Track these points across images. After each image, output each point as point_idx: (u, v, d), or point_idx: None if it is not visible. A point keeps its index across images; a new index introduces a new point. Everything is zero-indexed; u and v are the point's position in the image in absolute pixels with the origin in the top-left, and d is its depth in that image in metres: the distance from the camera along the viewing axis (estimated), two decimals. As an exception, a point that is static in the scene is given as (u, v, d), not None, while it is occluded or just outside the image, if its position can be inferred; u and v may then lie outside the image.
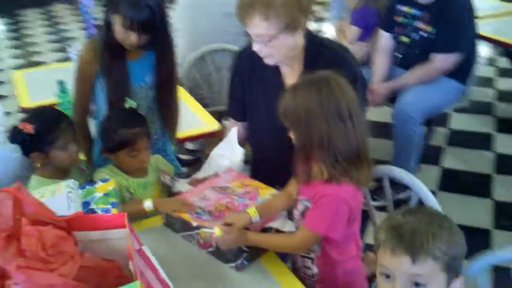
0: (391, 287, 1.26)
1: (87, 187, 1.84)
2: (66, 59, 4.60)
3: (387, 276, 1.27)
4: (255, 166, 2.39)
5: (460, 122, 4.45)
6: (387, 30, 3.57)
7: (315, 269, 1.83)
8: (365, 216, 1.99)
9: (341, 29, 4.31)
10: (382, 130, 3.96)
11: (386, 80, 3.50)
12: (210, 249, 1.82)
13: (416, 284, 1.24)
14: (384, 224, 1.31)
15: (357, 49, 3.75)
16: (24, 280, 1.07)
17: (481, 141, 4.17)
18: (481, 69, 3.62)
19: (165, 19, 2.18)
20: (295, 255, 1.90)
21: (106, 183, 1.85)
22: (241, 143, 2.30)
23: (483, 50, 3.58)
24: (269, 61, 2.03)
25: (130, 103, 2.16)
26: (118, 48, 2.20)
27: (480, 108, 4.60)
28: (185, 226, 1.89)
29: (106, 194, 1.79)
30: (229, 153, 2.23)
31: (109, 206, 1.73)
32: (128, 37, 2.12)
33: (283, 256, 1.88)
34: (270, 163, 2.21)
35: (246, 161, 2.26)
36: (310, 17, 2.02)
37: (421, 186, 1.99)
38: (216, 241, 1.76)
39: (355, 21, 4.00)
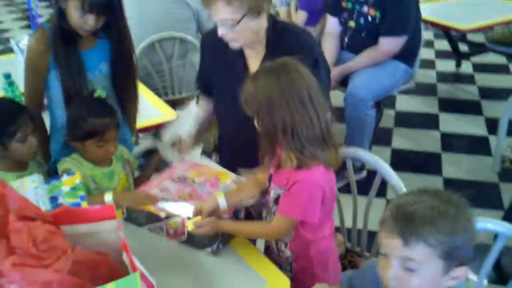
0: (387, 266, 1.27)
1: (52, 181, 1.78)
2: (5, 51, 4.43)
3: (384, 255, 1.28)
4: (222, 145, 2.41)
5: (406, 103, 4.57)
6: (334, 15, 3.61)
7: (288, 252, 1.84)
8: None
9: (288, 15, 4.32)
10: (333, 113, 4.00)
11: (335, 64, 3.54)
12: (182, 237, 1.80)
13: (408, 268, 1.24)
14: (392, 201, 1.31)
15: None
16: (21, 278, 1.03)
17: (427, 121, 4.30)
18: (422, 52, 3.71)
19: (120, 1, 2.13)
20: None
21: (72, 177, 1.80)
22: (209, 118, 2.34)
23: (422, 33, 3.71)
24: (233, 45, 2.04)
25: (99, 93, 2.10)
26: (72, 37, 2.13)
27: (424, 90, 4.74)
28: (152, 219, 1.85)
29: (74, 188, 1.75)
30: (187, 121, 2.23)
31: (79, 200, 1.69)
32: (85, 21, 2.06)
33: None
34: (235, 142, 2.22)
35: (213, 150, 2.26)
36: (272, 1, 2.03)
37: (386, 166, 2.03)
38: (192, 233, 1.74)
39: (302, 5, 4.03)
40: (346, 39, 3.56)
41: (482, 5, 4.41)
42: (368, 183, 2.42)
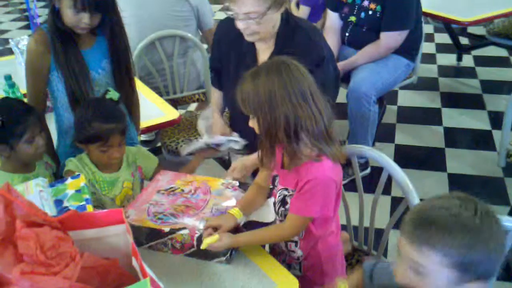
0: (399, 265, 1.26)
1: (57, 185, 1.76)
2: (4, 52, 4.40)
3: (399, 254, 1.26)
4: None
5: (408, 99, 4.55)
6: (334, 10, 3.59)
7: (299, 252, 1.83)
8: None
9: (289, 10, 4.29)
10: (336, 110, 3.98)
11: (337, 60, 3.51)
12: (191, 250, 1.74)
13: (417, 272, 1.22)
14: (419, 202, 1.28)
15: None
16: (29, 286, 1.00)
17: (430, 116, 4.28)
18: (423, 46, 3.69)
19: None
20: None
21: (76, 180, 1.77)
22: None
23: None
24: (252, 38, 2.06)
25: (110, 95, 2.08)
26: (70, 36, 2.11)
27: (426, 84, 4.72)
28: (153, 235, 1.77)
29: (78, 191, 1.72)
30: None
31: (84, 203, 1.67)
32: (79, 20, 2.03)
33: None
34: (245, 130, 2.16)
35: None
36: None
37: (391, 163, 2.00)
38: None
39: (304, 0, 4.01)
40: (347, 34, 3.54)
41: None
42: (371, 180, 2.40)
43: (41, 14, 3.44)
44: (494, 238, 1.18)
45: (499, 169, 3.47)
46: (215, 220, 1.74)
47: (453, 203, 1.20)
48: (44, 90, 2.24)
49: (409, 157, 3.71)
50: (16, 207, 1.14)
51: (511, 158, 2.84)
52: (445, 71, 5.05)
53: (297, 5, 4.15)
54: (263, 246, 1.85)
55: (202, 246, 1.66)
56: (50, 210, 1.58)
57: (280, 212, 1.80)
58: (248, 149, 2.21)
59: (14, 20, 7.54)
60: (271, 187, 1.84)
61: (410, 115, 4.31)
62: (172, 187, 1.97)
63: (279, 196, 1.78)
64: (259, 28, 2.02)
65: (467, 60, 5.20)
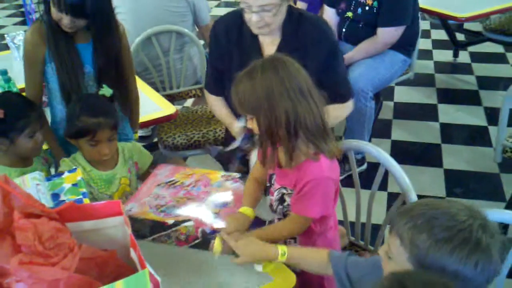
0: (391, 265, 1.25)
1: (54, 178, 1.76)
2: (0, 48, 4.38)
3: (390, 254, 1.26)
4: None
5: (404, 95, 4.55)
6: (331, 6, 3.59)
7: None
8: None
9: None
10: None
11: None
12: (196, 241, 1.73)
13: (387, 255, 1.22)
14: (423, 199, 1.24)
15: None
16: (28, 276, 1.00)
17: (426, 112, 4.28)
18: (419, 42, 3.70)
19: (101, 2, 2.07)
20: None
21: (73, 173, 1.77)
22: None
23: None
24: (262, 31, 2.05)
25: (103, 91, 2.07)
26: (62, 30, 2.10)
27: (422, 80, 4.73)
28: (157, 228, 1.77)
29: (75, 185, 1.72)
30: None
31: (81, 197, 1.67)
32: (60, 20, 2.04)
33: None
34: None
35: None
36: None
37: (389, 158, 2.00)
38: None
39: (301, -4, 4.01)
40: (343, 30, 3.53)
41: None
42: (368, 176, 2.40)
43: (37, 10, 3.42)
44: (489, 255, 1.12)
45: (495, 165, 3.47)
46: (229, 225, 1.71)
47: (448, 211, 1.15)
48: (41, 82, 2.23)
49: (405, 153, 3.72)
50: (14, 198, 1.14)
51: (507, 154, 2.85)
52: (441, 67, 5.05)
53: (294, 1, 4.14)
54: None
55: (215, 247, 1.66)
56: (47, 203, 1.56)
57: (278, 210, 1.79)
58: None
59: (9, 16, 7.52)
60: (268, 185, 1.83)
61: (406, 111, 4.32)
62: (172, 180, 1.97)
63: (277, 195, 1.77)
64: (273, 20, 2.01)
65: (464, 56, 5.21)
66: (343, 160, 1.89)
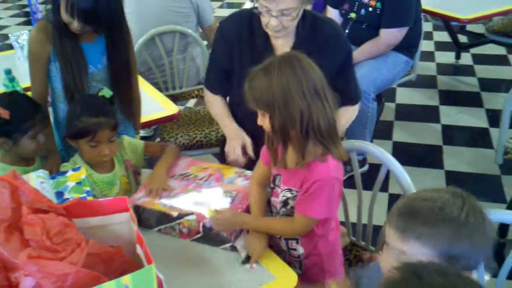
0: (385, 254, 1.28)
1: (58, 177, 1.77)
2: (3, 48, 4.39)
3: (385, 243, 1.28)
4: None
5: (406, 96, 4.56)
6: (334, 7, 3.60)
7: (301, 250, 1.82)
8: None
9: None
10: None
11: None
12: (198, 235, 1.76)
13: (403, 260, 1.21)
14: (411, 194, 1.30)
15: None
16: (37, 270, 1.01)
17: (428, 114, 4.29)
18: (421, 44, 3.70)
19: (113, 7, 2.09)
20: (276, 239, 1.86)
21: (77, 172, 1.78)
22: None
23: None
24: (279, 34, 2.03)
25: (103, 92, 2.07)
26: (68, 30, 2.11)
27: (424, 82, 4.73)
28: (163, 219, 1.80)
29: (79, 183, 1.73)
30: None
31: (84, 195, 1.68)
32: (70, 23, 2.05)
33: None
34: (254, 132, 2.14)
35: None
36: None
37: (391, 159, 2.01)
38: (211, 223, 1.72)
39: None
40: (346, 31, 3.53)
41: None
42: (369, 177, 2.41)
43: (42, 10, 3.44)
44: (479, 233, 1.19)
45: (496, 167, 3.48)
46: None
47: (442, 196, 1.22)
48: (46, 81, 2.24)
49: (407, 155, 3.73)
50: (22, 194, 1.15)
51: (508, 155, 2.86)
52: (443, 69, 5.06)
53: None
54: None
55: (208, 215, 1.73)
56: (51, 201, 1.58)
57: (281, 212, 1.79)
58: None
59: (13, 16, 7.53)
60: (272, 186, 1.83)
61: (408, 113, 4.32)
62: (186, 173, 2.00)
63: (282, 197, 1.77)
64: (291, 24, 1.99)
65: (466, 58, 5.21)
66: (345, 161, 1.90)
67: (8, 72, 2.69)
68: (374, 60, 3.38)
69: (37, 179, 1.64)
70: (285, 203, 1.77)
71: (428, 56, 5.23)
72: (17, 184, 1.14)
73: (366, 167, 3.44)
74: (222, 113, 2.34)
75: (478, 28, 5.30)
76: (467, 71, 5.00)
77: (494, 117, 4.12)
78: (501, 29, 4.47)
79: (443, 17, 4.22)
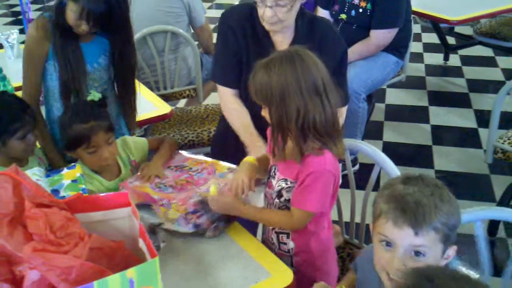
0: (391, 254, 1.28)
1: (53, 175, 1.77)
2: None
3: (388, 244, 1.29)
4: None
5: (396, 97, 4.59)
6: (325, 8, 3.62)
7: (291, 244, 1.82)
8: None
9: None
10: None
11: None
12: (190, 231, 1.77)
13: (416, 253, 1.26)
14: (385, 193, 1.31)
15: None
16: (42, 263, 1.02)
17: (417, 114, 4.33)
18: (411, 45, 3.74)
19: (124, 9, 2.10)
20: (268, 232, 1.89)
21: (73, 170, 1.79)
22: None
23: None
24: (275, 27, 2.04)
25: (91, 96, 2.05)
26: (70, 28, 2.10)
27: (414, 83, 4.77)
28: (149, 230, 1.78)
29: (75, 181, 1.74)
30: None
31: (80, 192, 1.68)
32: (78, 25, 2.04)
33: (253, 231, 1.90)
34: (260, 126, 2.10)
35: None
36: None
37: (385, 158, 2.03)
38: (209, 201, 1.75)
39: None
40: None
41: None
42: (360, 177, 2.43)
43: (33, 9, 3.43)
44: (457, 204, 1.30)
45: (485, 166, 3.52)
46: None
47: (417, 184, 1.29)
48: (40, 81, 2.23)
49: (396, 154, 3.73)
50: (24, 188, 1.16)
51: (498, 155, 2.89)
52: (432, 70, 5.10)
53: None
54: (255, 235, 1.87)
55: (210, 191, 1.78)
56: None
57: (275, 204, 1.80)
58: None
59: (0, 16, 7.48)
60: (268, 176, 1.84)
61: (398, 113, 4.36)
62: (182, 165, 2.05)
63: (277, 187, 1.78)
64: (286, 17, 2.00)
65: (454, 60, 5.26)
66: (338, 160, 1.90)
67: (-2, 71, 2.69)
68: (364, 61, 3.40)
69: (33, 177, 1.64)
70: (279, 194, 1.77)
71: (417, 58, 5.27)
72: (20, 178, 1.15)
73: (357, 167, 3.46)
74: (247, 124, 2.19)
75: (466, 30, 5.36)
76: (456, 72, 5.05)
77: (482, 117, 4.17)
78: (489, 31, 4.52)
79: (432, 19, 4.25)
